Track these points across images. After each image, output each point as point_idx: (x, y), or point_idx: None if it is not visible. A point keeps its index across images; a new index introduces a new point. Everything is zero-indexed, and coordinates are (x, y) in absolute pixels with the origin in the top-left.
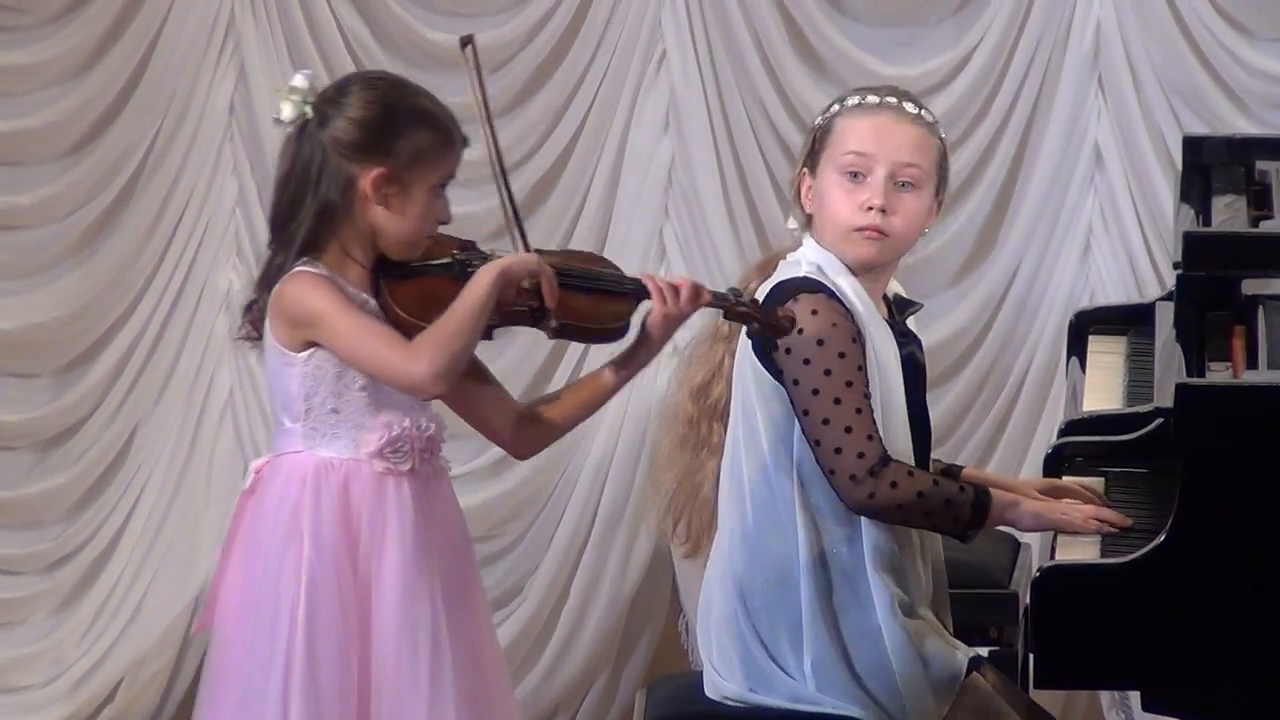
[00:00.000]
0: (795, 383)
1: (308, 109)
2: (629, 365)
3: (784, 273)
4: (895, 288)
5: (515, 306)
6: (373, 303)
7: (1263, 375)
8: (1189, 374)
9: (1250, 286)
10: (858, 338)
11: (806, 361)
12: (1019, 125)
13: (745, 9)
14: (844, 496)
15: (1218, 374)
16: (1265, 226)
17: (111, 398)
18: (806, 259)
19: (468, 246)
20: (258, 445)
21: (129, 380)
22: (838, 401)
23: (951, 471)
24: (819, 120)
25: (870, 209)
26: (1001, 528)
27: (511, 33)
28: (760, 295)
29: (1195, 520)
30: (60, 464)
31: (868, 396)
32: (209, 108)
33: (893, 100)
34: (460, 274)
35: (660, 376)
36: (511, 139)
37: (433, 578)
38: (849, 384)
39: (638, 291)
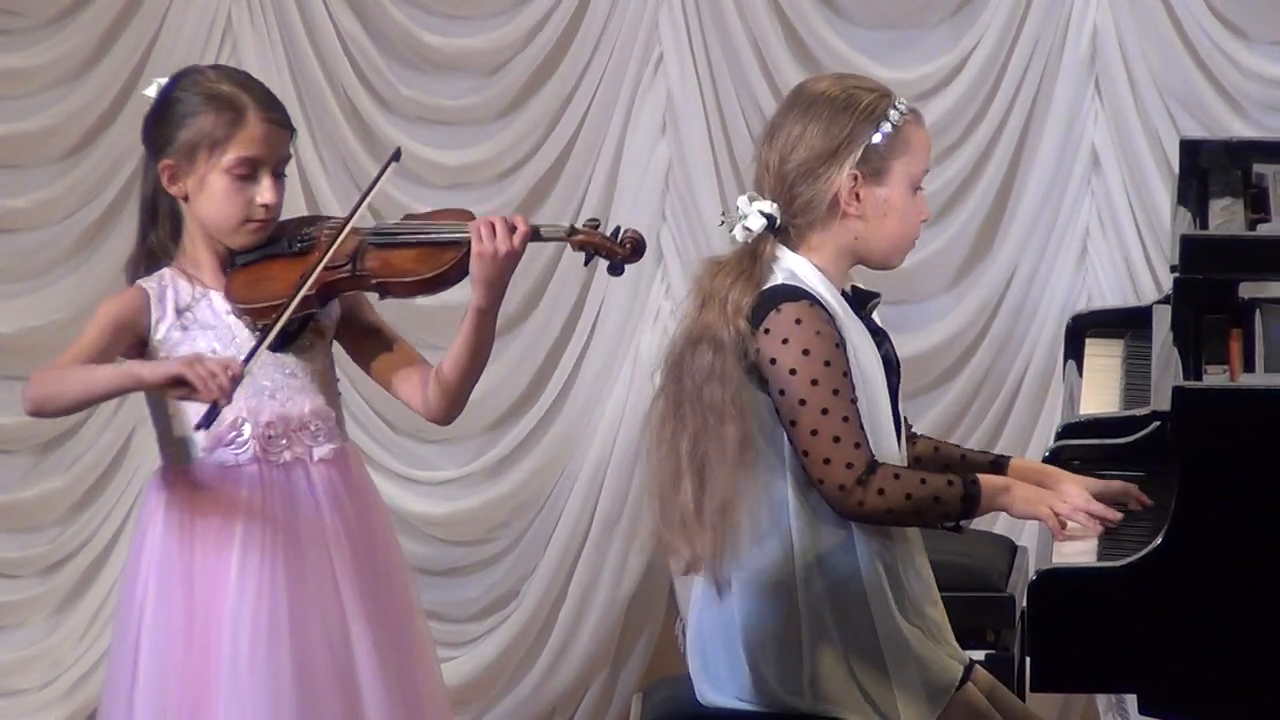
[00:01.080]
0: (781, 393)
1: None
2: (468, 318)
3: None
4: (851, 279)
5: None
6: (213, 295)
7: (1259, 378)
8: (1186, 377)
9: (1247, 290)
10: (841, 344)
11: (793, 371)
12: (1016, 128)
13: (742, 12)
14: (834, 506)
15: (1215, 377)
16: (1262, 230)
17: (108, 402)
18: (781, 265)
19: (313, 221)
20: None
21: None
22: (825, 411)
23: (1000, 463)
24: (886, 125)
25: (924, 221)
26: (1001, 532)
27: (509, 36)
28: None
29: (1192, 523)
30: (57, 467)
31: (854, 402)
32: None
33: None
34: (291, 248)
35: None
36: (508, 143)
37: (270, 570)
38: (835, 392)
39: (461, 236)
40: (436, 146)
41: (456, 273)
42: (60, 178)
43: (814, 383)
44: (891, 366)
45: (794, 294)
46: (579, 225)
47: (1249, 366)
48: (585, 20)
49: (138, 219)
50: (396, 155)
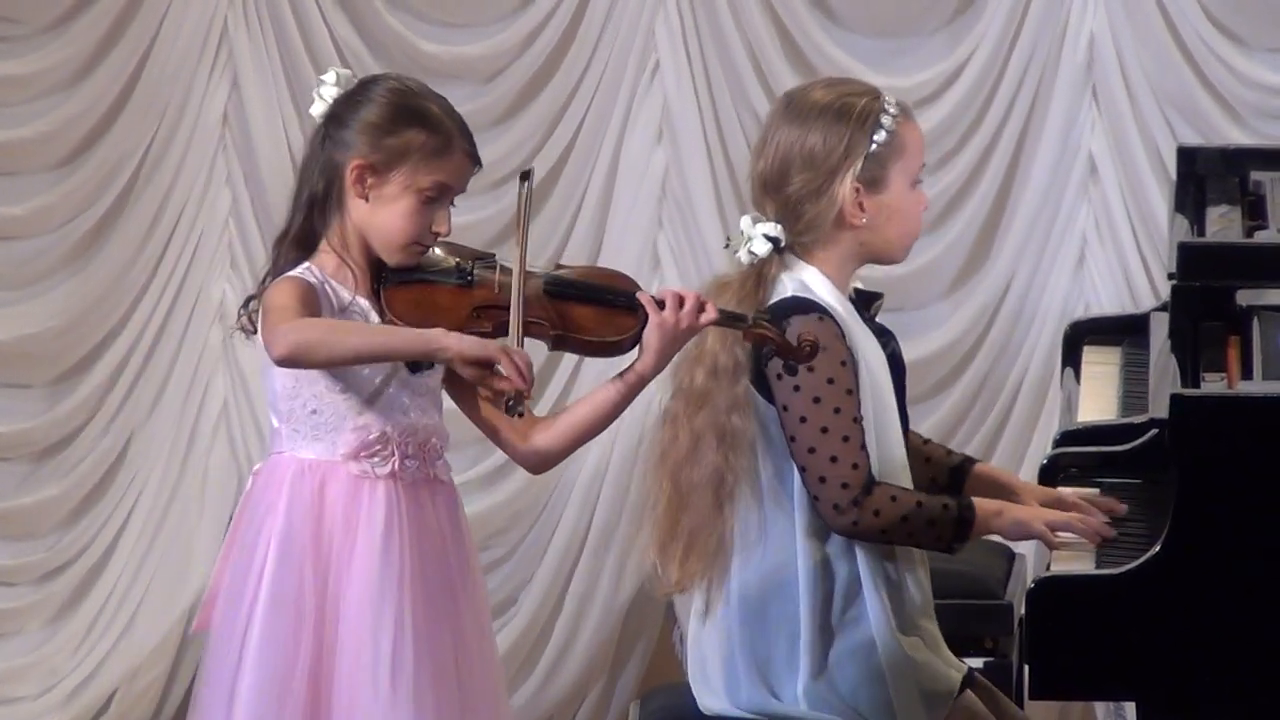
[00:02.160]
0: (785, 408)
1: (329, 105)
2: (625, 380)
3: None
4: (856, 279)
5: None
6: (363, 303)
7: (1257, 386)
8: (1184, 384)
9: (1245, 297)
10: (848, 360)
11: (796, 389)
12: (1013, 136)
13: (738, 19)
14: (829, 523)
15: (1212, 384)
16: (1259, 237)
17: (105, 408)
18: (791, 276)
19: (481, 257)
20: (251, 456)
21: (123, 391)
22: (824, 430)
23: (964, 467)
24: (880, 133)
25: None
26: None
27: (505, 43)
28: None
29: (1190, 531)
30: (54, 475)
31: (857, 420)
32: (202, 118)
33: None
34: (462, 280)
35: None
36: (505, 149)
37: (404, 585)
38: (837, 410)
39: (642, 309)
40: None
41: (631, 343)
42: (57, 185)
43: (816, 400)
44: (898, 364)
45: (804, 307)
46: (756, 318)
47: (1247, 374)
48: (581, 27)
49: (294, 200)
50: (527, 175)
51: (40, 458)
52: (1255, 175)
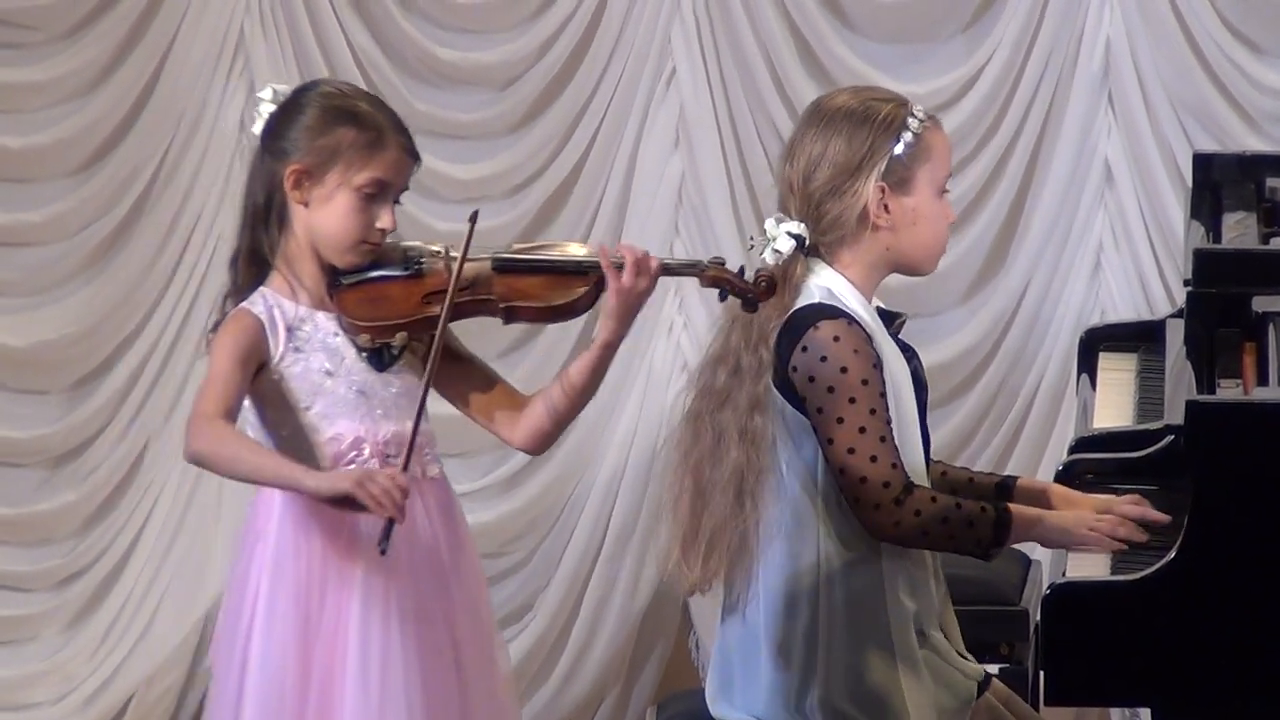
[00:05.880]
0: (819, 410)
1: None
2: (593, 353)
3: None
4: (875, 301)
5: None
6: (320, 316)
7: (1273, 392)
8: (1199, 391)
9: (1261, 303)
10: (878, 364)
11: (830, 390)
12: (1029, 142)
13: (755, 26)
14: (868, 525)
15: (1228, 391)
16: (1276, 243)
17: (122, 414)
18: (817, 282)
19: (412, 248)
20: None
21: (139, 397)
22: (863, 430)
23: (1007, 484)
24: (907, 135)
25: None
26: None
27: (522, 49)
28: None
29: (1206, 537)
30: (70, 481)
31: (889, 424)
32: (219, 125)
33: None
34: (410, 271)
35: (669, 392)
36: (522, 156)
37: (390, 584)
38: (873, 411)
39: (592, 269)
40: (450, 160)
41: (585, 303)
42: (73, 191)
43: (851, 400)
44: (920, 384)
45: (832, 312)
46: (707, 262)
47: (1262, 380)
48: (599, 34)
49: (241, 218)
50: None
51: (57, 464)
52: (1271, 182)
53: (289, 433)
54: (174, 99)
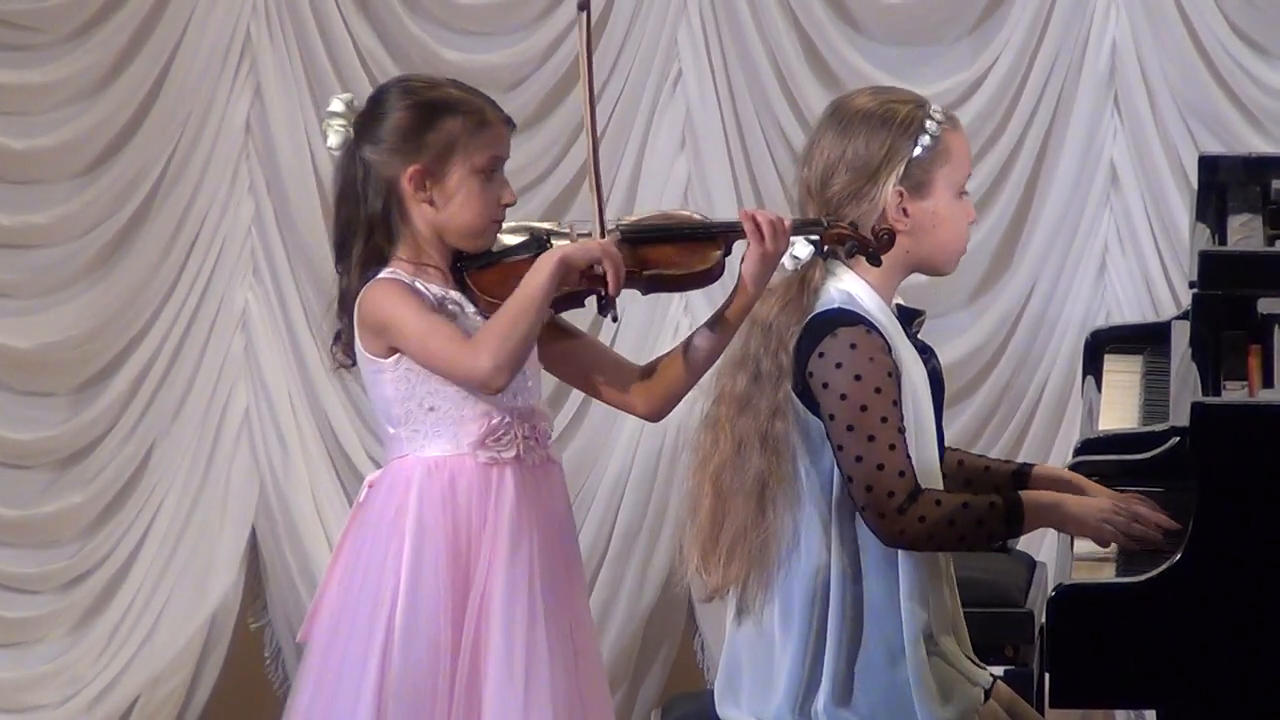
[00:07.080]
0: (831, 417)
1: (350, 130)
2: (735, 313)
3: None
4: (895, 298)
5: (579, 289)
6: (455, 295)
7: (1278, 394)
8: (1205, 393)
9: (1266, 305)
10: (894, 371)
11: (843, 397)
12: (1035, 144)
13: (761, 28)
14: (876, 532)
15: (1233, 393)
16: None
17: (127, 416)
18: (837, 286)
19: (525, 229)
20: (273, 464)
21: (145, 399)
22: (871, 439)
23: (1022, 471)
24: (925, 138)
25: (971, 223)
26: (1020, 548)
27: (528, 51)
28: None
29: (1211, 539)
30: (76, 483)
31: (902, 431)
32: (225, 126)
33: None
34: (541, 249)
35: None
36: (528, 158)
37: (530, 569)
38: (884, 419)
39: (726, 233)
40: None
41: (721, 269)
42: (79, 194)
43: (863, 409)
44: (937, 382)
45: (850, 319)
46: (830, 219)
47: (1268, 382)
48: (604, 36)
49: (343, 230)
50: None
51: (63, 466)
52: (1277, 184)
53: (434, 406)
54: (180, 101)
